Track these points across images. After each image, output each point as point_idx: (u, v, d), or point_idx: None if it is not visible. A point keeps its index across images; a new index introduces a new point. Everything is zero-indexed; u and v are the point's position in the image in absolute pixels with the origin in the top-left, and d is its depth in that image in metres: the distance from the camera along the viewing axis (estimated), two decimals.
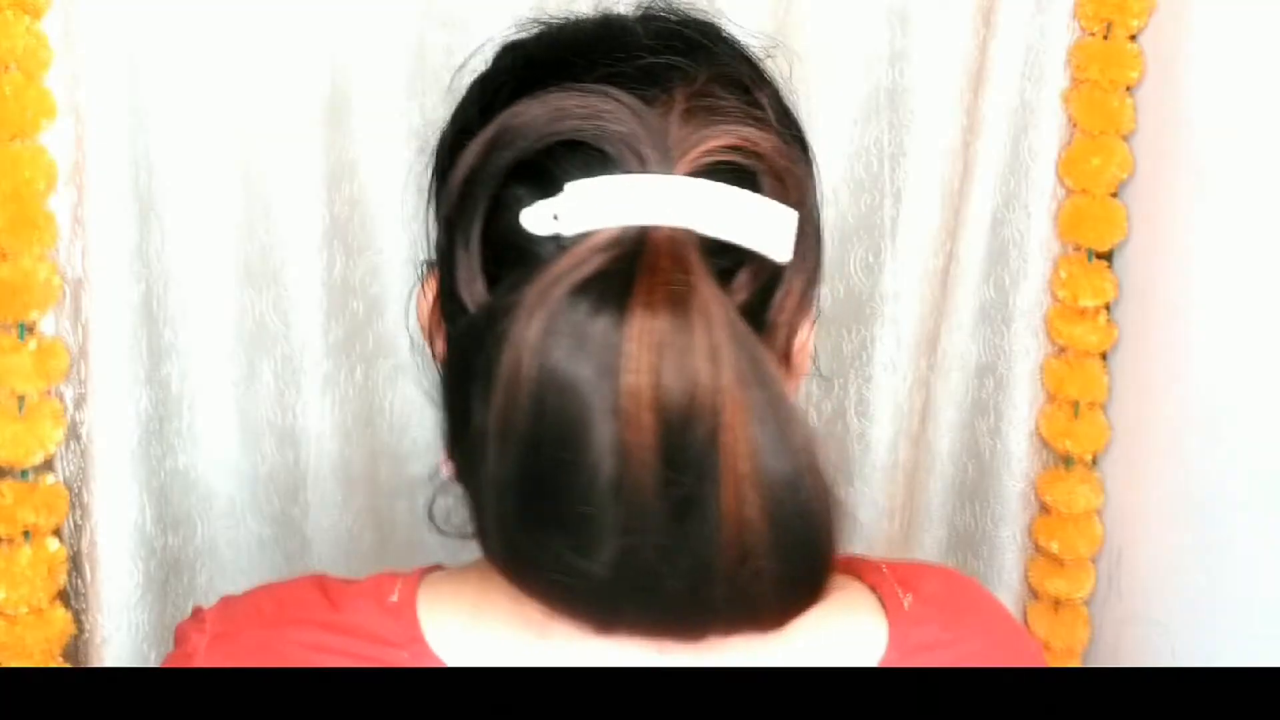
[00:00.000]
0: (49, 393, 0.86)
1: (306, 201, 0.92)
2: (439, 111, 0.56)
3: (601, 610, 0.45)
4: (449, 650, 0.49)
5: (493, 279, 0.47)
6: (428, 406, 0.95)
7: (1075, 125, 0.98)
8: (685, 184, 0.44)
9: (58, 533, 0.88)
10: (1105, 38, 0.97)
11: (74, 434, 0.88)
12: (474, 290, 0.47)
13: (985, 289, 1.02)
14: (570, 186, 0.44)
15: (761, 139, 0.46)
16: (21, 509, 0.84)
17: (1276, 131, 0.83)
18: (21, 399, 0.84)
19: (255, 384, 0.94)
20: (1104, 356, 1.01)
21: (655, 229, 0.43)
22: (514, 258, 0.46)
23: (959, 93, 0.99)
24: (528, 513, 0.44)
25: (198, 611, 0.54)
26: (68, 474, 0.89)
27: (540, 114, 0.45)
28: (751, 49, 0.54)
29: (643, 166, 0.44)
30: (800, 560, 0.44)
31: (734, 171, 0.46)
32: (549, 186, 0.45)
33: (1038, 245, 1.00)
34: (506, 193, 0.47)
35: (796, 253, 0.47)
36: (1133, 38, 0.97)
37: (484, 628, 0.50)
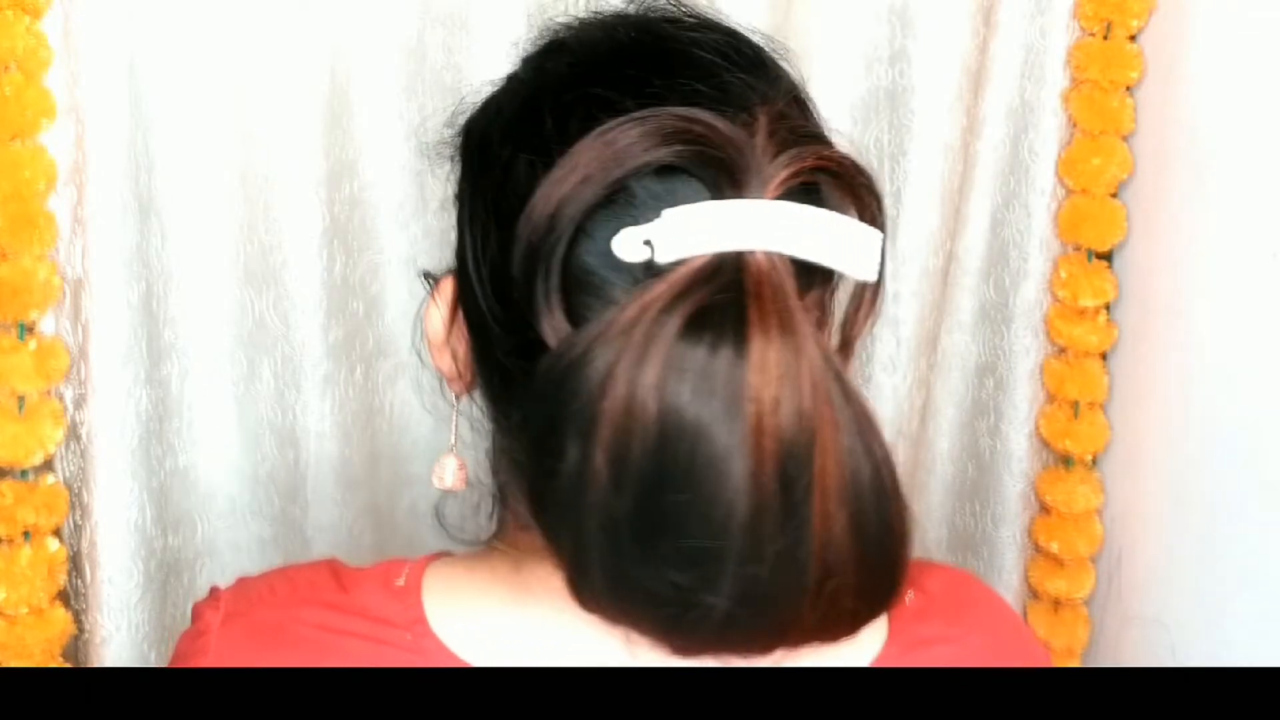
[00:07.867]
0: (49, 393, 0.86)
1: (306, 201, 0.92)
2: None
3: (708, 637, 0.44)
4: (450, 633, 0.50)
5: (566, 310, 0.45)
6: (427, 406, 0.95)
7: (1075, 125, 0.98)
8: (781, 208, 0.43)
9: (58, 533, 0.88)
10: (1105, 38, 0.97)
11: (74, 434, 0.88)
12: (555, 323, 0.45)
13: (985, 289, 1.02)
14: (668, 213, 0.43)
15: (842, 157, 0.46)
16: (21, 509, 0.84)
17: (1276, 131, 0.83)
18: (21, 399, 0.84)
19: (255, 384, 0.94)
20: (1104, 356, 1.01)
21: (751, 255, 0.42)
22: (579, 287, 0.45)
23: (959, 93, 0.99)
24: (644, 550, 0.42)
25: (214, 591, 0.55)
26: (68, 474, 0.89)
27: (636, 136, 0.44)
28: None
29: (737, 191, 0.43)
30: (879, 572, 0.44)
31: (819, 192, 0.46)
32: (636, 212, 0.44)
33: (1038, 245, 1.00)
34: (588, 220, 0.45)
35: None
36: (1133, 38, 0.97)
37: (485, 614, 0.50)
